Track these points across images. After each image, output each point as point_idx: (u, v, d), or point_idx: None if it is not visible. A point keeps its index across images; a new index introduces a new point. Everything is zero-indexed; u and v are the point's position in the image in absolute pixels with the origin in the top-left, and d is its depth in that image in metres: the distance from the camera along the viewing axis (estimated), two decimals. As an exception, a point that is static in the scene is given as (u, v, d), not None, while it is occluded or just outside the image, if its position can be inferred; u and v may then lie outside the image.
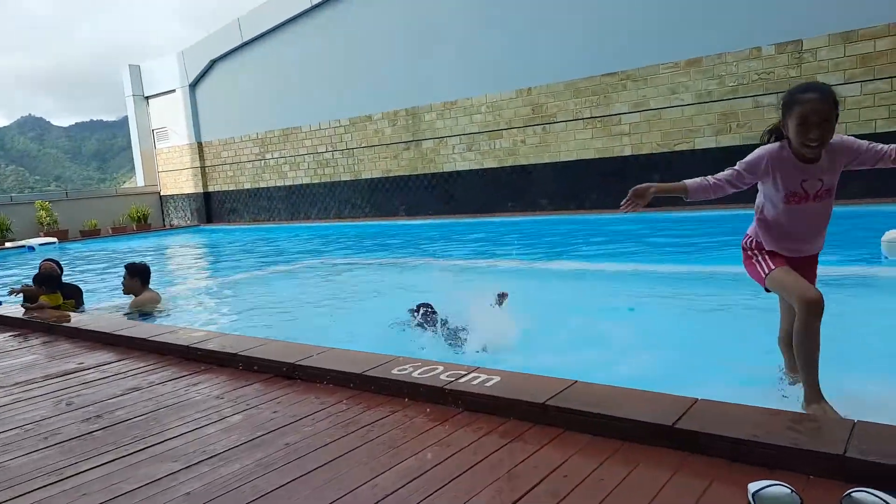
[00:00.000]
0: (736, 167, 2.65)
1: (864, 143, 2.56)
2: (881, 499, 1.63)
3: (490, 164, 13.32)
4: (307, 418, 2.68)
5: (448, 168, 14.00)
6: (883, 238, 5.49)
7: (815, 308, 2.45)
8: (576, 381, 2.57)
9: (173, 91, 19.46)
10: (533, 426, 2.38)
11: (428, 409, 2.64)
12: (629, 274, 6.66)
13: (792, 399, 2.73)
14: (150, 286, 6.46)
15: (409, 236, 12.03)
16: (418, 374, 2.87)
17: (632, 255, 7.73)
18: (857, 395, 2.83)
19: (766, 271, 2.66)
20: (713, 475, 1.92)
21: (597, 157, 11.86)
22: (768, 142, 2.61)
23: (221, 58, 18.02)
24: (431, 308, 5.00)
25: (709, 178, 2.71)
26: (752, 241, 2.78)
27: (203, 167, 19.41)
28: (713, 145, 10.53)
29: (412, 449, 2.29)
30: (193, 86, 18.97)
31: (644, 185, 2.75)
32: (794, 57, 9.71)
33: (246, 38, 17.09)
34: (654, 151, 11.20)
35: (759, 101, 10.07)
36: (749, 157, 2.62)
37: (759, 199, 2.72)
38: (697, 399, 2.28)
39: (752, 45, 10.03)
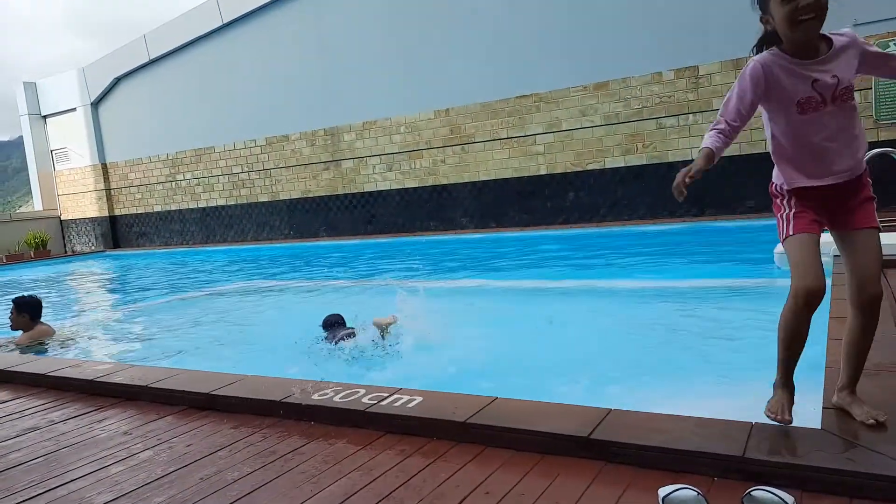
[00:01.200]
0: (729, 95, 2.21)
1: (880, 52, 2.14)
2: (777, 496, 1.75)
3: (410, 183, 13.39)
4: (224, 450, 2.58)
5: (369, 188, 13.96)
6: (775, 250, 5.92)
7: (805, 298, 2.07)
8: (496, 398, 2.61)
9: (73, 110, 18.42)
10: (455, 445, 2.40)
11: (350, 434, 2.61)
12: (547, 290, 6.85)
13: (696, 402, 2.88)
14: (45, 320, 6.04)
15: (330, 257, 11.87)
16: (339, 398, 2.83)
17: (549, 272, 7.96)
18: (755, 397, 3.02)
19: (785, 234, 2.19)
20: (626, 482, 2.00)
21: (514, 176, 12.18)
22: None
23: (126, 75, 17.26)
24: (342, 319, 4.95)
25: (718, 125, 2.27)
26: (776, 185, 2.29)
27: (108, 189, 18.43)
28: (622, 164, 11.05)
29: (334, 476, 2.25)
30: (96, 104, 18.04)
31: (679, 176, 2.26)
32: (692, 82, 10.38)
33: (153, 56, 16.45)
34: (567, 170, 11.62)
35: (661, 123, 10.68)
36: (739, 79, 2.18)
37: (768, 130, 2.28)
38: (611, 409, 2.37)
39: (653, 70, 10.65)
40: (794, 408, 2.58)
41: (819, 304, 2.11)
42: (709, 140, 2.26)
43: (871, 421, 2.06)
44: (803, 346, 2.20)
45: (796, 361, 2.23)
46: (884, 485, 1.77)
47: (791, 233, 2.16)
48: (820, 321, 3.22)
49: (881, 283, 2.09)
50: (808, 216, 2.16)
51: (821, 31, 2.09)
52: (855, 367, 2.20)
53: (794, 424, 2.11)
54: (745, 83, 2.16)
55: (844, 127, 2.10)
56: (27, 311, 5.85)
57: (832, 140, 2.10)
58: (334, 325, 4.92)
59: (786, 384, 2.23)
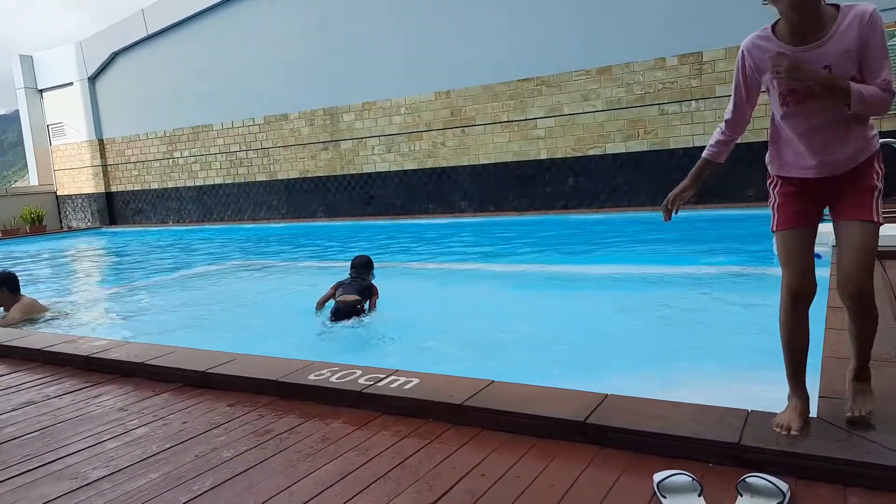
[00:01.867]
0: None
1: (877, 52, 1.84)
2: (771, 482, 1.76)
3: (410, 165, 13.33)
4: (219, 428, 2.59)
5: (367, 169, 13.90)
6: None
7: (792, 295, 2.04)
8: (492, 382, 2.61)
9: (70, 84, 18.24)
10: (451, 427, 2.40)
11: (346, 414, 2.61)
12: (545, 275, 6.85)
13: (693, 389, 2.89)
14: (42, 296, 6.01)
15: (328, 238, 11.84)
16: (336, 378, 2.83)
17: (547, 257, 7.95)
18: (752, 385, 3.03)
19: (772, 228, 2.11)
20: (622, 467, 2.00)
21: (514, 160, 12.12)
22: None
23: (124, 50, 17.07)
24: (370, 262, 5.19)
25: (718, 129, 2.22)
26: (767, 169, 2.17)
27: (105, 166, 18.32)
28: (623, 150, 11.00)
29: (329, 455, 2.25)
30: (93, 79, 17.86)
31: (671, 195, 2.25)
32: (695, 68, 10.30)
33: (151, 31, 16.26)
34: (567, 155, 11.56)
35: (664, 109, 10.61)
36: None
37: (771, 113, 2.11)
38: (608, 394, 2.38)
39: (657, 56, 10.56)
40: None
41: (810, 302, 2.05)
42: (706, 150, 2.24)
43: (851, 413, 2.00)
44: (805, 348, 2.09)
45: (801, 364, 2.10)
46: (877, 473, 1.77)
47: (775, 228, 2.09)
48: (818, 310, 3.22)
49: (865, 278, 1.94)
50: (791, 207, 2.05)
51: (832, 2, 1.87)
52: (855, 355, 2.13)
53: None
54: (736, 74, 2.09)
55: (836, 120, 1.91)
56: (5, 285, 5.83)
57: (819, 133, 1.94)
58: (362, 266, 5.16)
59: (794, 391, 2.09)
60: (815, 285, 2.05)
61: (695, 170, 2.24)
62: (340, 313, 4.78)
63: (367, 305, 4.96)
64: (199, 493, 2.05)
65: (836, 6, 1.88)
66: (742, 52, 2.01)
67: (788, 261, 2.04)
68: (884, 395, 2.17)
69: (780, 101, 1.97)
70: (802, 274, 2.03)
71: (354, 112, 13.83)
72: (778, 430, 2.00)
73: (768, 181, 2.17)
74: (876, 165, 2.03)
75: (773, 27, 1.95)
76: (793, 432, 1.96)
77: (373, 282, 5.23)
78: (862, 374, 2.11)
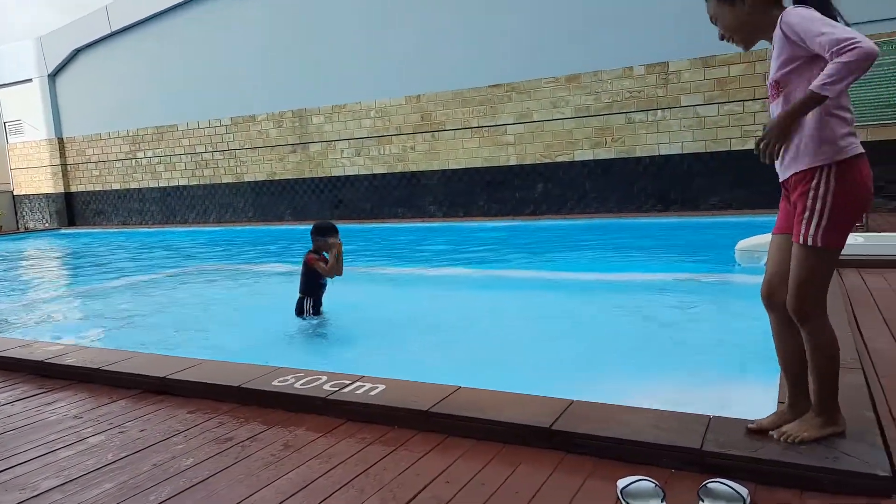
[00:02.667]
0: None
1: (807, 27, 1.80)
2: (732, 488, 1.78)
3: (379, 169, 13.28)
4: (179, 436, 2.52)
5: (337, 172, 13.79)
6: (736, 246, 6.04)
7: (763, 303, 2.08)
8: (459, 388, 2.60)
9: (30, 81, 17.71)
10: (417, 434, 2.38)
11: (310, 421, 2.57)
12: (511, 280, 6.87)
13: (656, 396, 2.92)
14: None
15: (295, 242, 11.70)
16: (300, 384, 2.78)
17: (515, 263, 7.99)
18: (712, 391, 3.08)
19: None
20: (587, 473, 2.01)
21: (484, 165, 12.17)
22: None
23: (87, 47, 16.65)
24: (335, 227, 4.90)
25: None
26: None
27: (65, 165, 17.82)
28: (591, 157, 11.14)
29: (293, 463, 2.21)
30: (53, 76, 17.38)
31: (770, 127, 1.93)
32: (662, 77, 10.49)
33: (115, 28, 15.90)
34: (537, 162, 11.66)
35: (631, 118, 10.77)
36: None
37: None
38: (573, 401, 2.38)
39: (625, 65, 10.72)
40: (749, 401, 2.64)
41: (776, 309, 2.03)
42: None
43: (771, 427, 2.02)
44: (786, 358, 2.06)
45: (790, 374, 2.07)
46: (834, 478, 1.81)
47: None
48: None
49: (793, 300, 1.92)
50: (779, 213, 2.08)
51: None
52: (789, 380, 2.09)
53: (751, 418, 2.14)
54: None
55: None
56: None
57: None
58: (328, 230, 4.90)
59: (789, 402, 2.07)
60: (777, 293, 2.02)
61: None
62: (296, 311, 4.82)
63: (308, 304, 4.85)
64: (157, 502, 1.99)
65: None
66: None
67: (766, 267, 2.04)
68: (841, 401, 2.22)
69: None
70: (766, 281, 2.06)
71: (324, 114, 13.72)
72: (781, 437, 1.98)
73: None
74: (815, 181, 1.87)
75: None
76: (803, 436, 1.96)
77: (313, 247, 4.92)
78: (818, 408, 2.01)
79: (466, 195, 12.42)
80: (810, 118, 1.86)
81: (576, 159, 11.30)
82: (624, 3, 10.62)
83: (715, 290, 5.44)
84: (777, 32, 1.89)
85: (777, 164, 2.00)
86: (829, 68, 1.74)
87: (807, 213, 1.88)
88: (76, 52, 16.88)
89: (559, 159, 11.45)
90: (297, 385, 2.77)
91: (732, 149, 10.11)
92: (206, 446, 2.39)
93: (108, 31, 16.03)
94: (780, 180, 2.03)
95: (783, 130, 1.88)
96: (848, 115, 1.88)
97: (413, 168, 12.90)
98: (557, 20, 11.15)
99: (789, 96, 1.91)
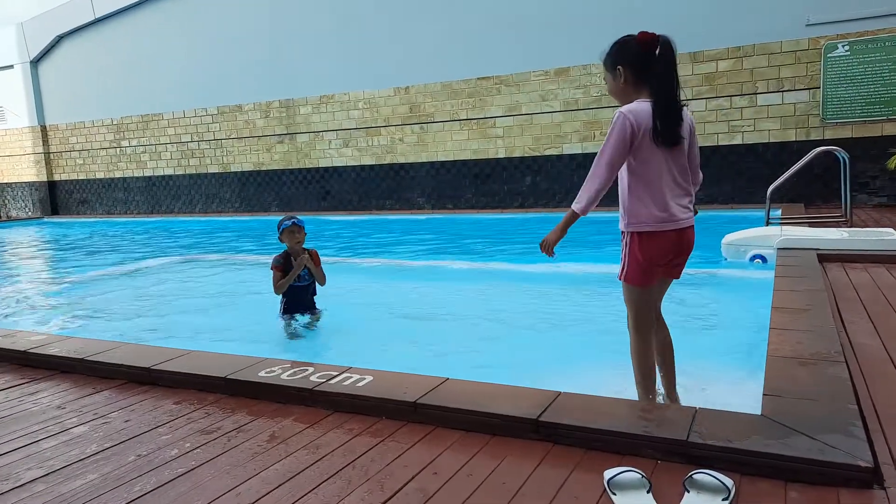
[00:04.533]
0: None
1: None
2: (716, 478, 1.80)
3: (367, 160, 13.22)
4: (164, 426, 2.50)
5: (324, 163, 13.72)
6: (723, 241, 6.08)
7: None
8: (447, 379, 2.60)
9: (11, 67, 17.42)
10: (404, 425, 2.38)
11: (297, 413, 2.56)
12: (500, 273, 6.88)
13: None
14: None
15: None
16: (287, 375, 2.77)
17: (502, 255, 8.00)
18: (698, 383, 3.11)
19: None
20: (574, 464, 2.02)
21: (472, 157, 12.16)
22: None
23: (70, 33, 16.39)
24: (301, 222, 4.46)
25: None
26: None
27: (47, 153, 17.57)
28: (579, 151, 11.16)
29: (279, 454, 2.20)
30: (36, 63, 17.10)
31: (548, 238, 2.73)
32: (650, 72, 10.51)
33: (99, 15, 15.66)
34: (525, 154, 11.66)
35: (619, 112, 10.80)
36: None
37: None
38: (560, 392, 2.39)
39: (613, 59, 10.72)
40: (735, 393, 2.67)
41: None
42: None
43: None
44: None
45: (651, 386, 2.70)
46: (819, 469, 1.83)
47: None
48: (765, 312, 3.31)
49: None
50: None
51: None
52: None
53: (735, 410, 2.16)
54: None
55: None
56: None
57: None
58: (284, 225, 4.51)
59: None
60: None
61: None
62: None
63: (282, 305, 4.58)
64: (141, 493, 1.97)
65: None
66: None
67: None
68: (824, 393, 2.25)
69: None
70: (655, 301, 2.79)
71: (311, 105, 13.63)
72: None
73: None
74: (625, 233, 2.65)
75: None
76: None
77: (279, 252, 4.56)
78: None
79: (455, 187, 12.41)
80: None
81: (564, 153, 11.32)
82: (614, -4, 10.62)
83: (701, 284, 5.48)
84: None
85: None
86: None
87: (621, 257, 2.73)
88: (59, 39, 16.62)
89: (548, 152, 11.46)
90: (283, 376, 2.76)
91: (720, 143, 10.18)
92: (191, 437, 2.38)
93: (93, 18, 15.78)
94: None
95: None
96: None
97: (401, 160, 12.86)
98: (547, 12, 11.14)
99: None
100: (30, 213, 17.99)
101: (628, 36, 2.59)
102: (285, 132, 14.05)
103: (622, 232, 2.64)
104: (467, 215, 11.59)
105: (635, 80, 2.55)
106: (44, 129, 17.47)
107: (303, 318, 4.57)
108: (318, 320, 4.59)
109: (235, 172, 14.86)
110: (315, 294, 4.68)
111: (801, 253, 5.01)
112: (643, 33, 2.53)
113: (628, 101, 2.55)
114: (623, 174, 2.56)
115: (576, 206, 2.53)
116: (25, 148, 17.81)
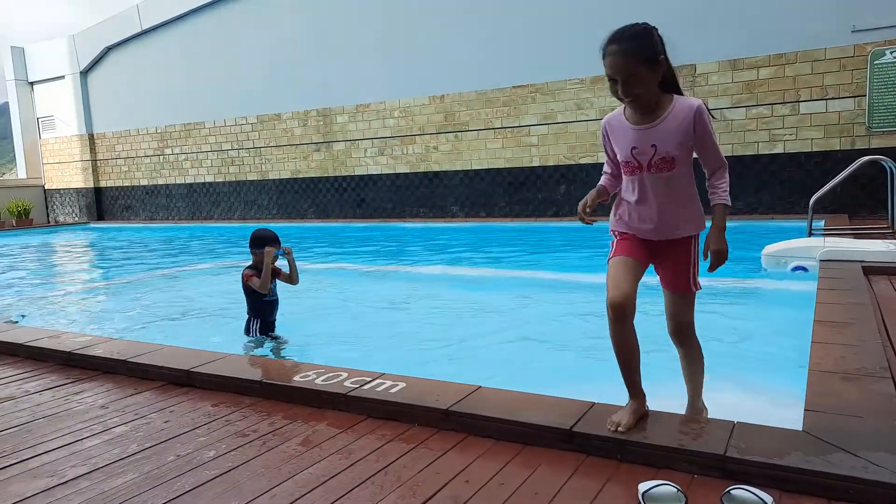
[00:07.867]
0: None
1: (709, 139, 2.21)
2: (756, 495, 1.75)
3: (402, 169, 13.32)
4: (202, 427, 2.55)
5: (360, 171, 13.87)
6: (763, 252, 5.94)
7: (612, 310, 2.22)
8: (479, 387, 2.60)
9: (62, 78, 18.11)
10: (436, 432, 2.38)
11: (331, 417, 2.59)
12: (537, 282, 6.85)
13: (679, 400, 2.89)
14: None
15: (319, 239, 11.79)
16: (321, 380, 2.80)
17: (539, 264, 7.95)
18: (737, 397, 3.04)
19: (608, 257, 2.36)
20: (607, 476, 1.99)
21: (506, 166, 12.14)
22: None
23: (118, 45, 16.97)
24: (275, 236, 4.43)
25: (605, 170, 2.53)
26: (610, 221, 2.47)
27: (94, 160, 18.18)
28: (614, 160, 11.05)
29: (313, 458, 2.23)
30: (85, 73, 17.74)
31: (579, 209, 2.46)
32: (689, 80, 10.37)
33: (145, 27, 16.19)
34: (560, 163, 11.60)
35: (656, 120, 10.67)
36: None
37: None
38: (594, 403, 2.37)
39: (650, 67, 10.61)
40: (776, 409, 2.60)
41: (625, 319, 2.25)
42: (601, 179, 2.52)
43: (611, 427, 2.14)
44: (630, 355, 2.26)
45: (632, 372, 2.26)
46: (862, 488, 1.77)
47: (612, 255, 2.35)
48: (807, 325, 3.23)
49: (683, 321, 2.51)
50: (627, 241, 2.35)
51: (678, 94, 2.26)
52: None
53: (775, 425, 2.11)
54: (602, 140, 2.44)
55: (662, 195, 2.24)
56: None
57: (650, 205, 2.26)
58: (264, 240, 4.36)
59: (632, 395, 2.25)
60: (632, 305, 2.30)
61: (596, 191, 2.50)
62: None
63: (255, 325, 4.41)
64: (179, 493, 2.02)
65: (672, 96, 2.24)
66: (605, 122, 2.38)
67: (611, 281, 2.30)
68: (868, 409, 2.18)
69: (623, 168, 2.34)
70: (618, 288, 2.26)
71: (348, 114, 13.81)
72: (610, 426, 2.14)
73: (611, 231, 2.53)
74: (691, 245, 2.36)
75: (625, 109, 2.30)
76: (621, 428, 2.12)
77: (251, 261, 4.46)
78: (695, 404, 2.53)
79: (488, 196, 12.41)
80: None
81: (599, 161, 11.20)
82: (650, 4, 10.51)
83: (741, 296, 5.36)
84: (681, 112, 2.19)
85: (654, 230, 2.31)
86: (724, 182, 2.28)
87: (691, 267, 2.37)
88: (107, 50, 17.22)
89: (582, 161, 11.38)
90: (318, 381, 2.79)
91: (760, 153, 9.96)
92: (228, 439, 2.42)
93: (139, 30, 16.32)
94: (642, 238, 2.34)
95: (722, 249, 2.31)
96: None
97: (435, 168, 12.92)
98: (583, 20, 11.09)
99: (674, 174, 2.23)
100: (76, 219, 18.62)
101: (643, 24, 2.38)
102: (322, 140, 14.26)
103: (688, 237, 2.33)
104: (501, 223, 11.57)
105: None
106: (91, 137, 18.09)
107: (269, 344, 4.34)
108: (286, 344, 4.38)
109: (273, 180, 15.13)
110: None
111: (846, 265, 4.86)
112: (641, 24, 2.41)
113: (656, 97, 2.22)
114: (679, 175, 2.22)
115: (727, 199, 2.26)
116: (74, 155, 18.46)
